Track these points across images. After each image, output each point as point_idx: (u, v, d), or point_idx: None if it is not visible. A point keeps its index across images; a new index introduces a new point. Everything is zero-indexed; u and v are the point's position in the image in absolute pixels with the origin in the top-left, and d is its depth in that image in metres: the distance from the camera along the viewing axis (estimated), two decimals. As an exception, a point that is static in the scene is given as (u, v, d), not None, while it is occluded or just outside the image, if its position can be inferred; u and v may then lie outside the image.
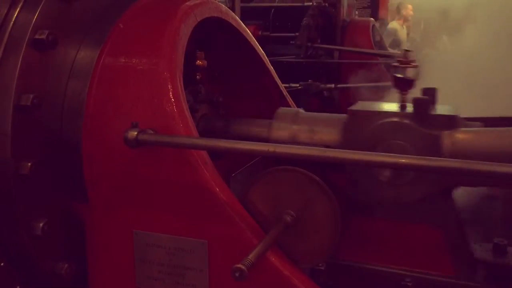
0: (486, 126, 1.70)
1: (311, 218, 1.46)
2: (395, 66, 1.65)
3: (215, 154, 1.62)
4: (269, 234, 1.42)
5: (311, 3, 5.74)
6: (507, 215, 1.83)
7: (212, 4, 1.84)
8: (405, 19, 10.24)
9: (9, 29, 1.50)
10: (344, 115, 1.72)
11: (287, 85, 5.44)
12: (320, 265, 1.71)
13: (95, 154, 1.58)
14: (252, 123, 1.96)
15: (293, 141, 1.77)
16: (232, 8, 4.56)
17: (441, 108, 1.64)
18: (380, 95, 3.17)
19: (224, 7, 1.93)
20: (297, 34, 5.52)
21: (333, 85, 5.16)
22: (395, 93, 1.70)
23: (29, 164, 1.47)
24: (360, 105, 1.75)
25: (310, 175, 1.46)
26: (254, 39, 2.12)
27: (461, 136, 1.56)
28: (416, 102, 1.60)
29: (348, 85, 5.25)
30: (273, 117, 1.87)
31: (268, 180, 1.50)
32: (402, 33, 9.93)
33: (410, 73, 1.63)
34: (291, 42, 5.55)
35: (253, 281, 1.39)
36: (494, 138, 1.59)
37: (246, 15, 5.78)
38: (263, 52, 2.16)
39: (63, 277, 1.59)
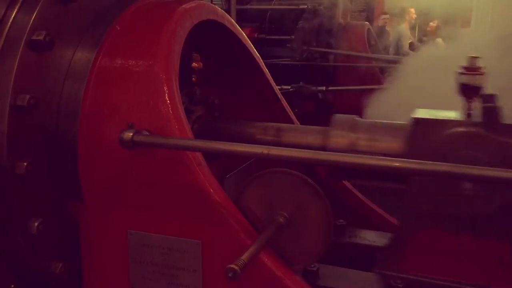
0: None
1: (304, 220, 1.48)
2: (461, 73, 1.57)
3: (210, 156, 1.63)
4: (262, 235, 1.43)
5: (306, 6, 5.75)
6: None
7: (208, 7, 1.85)
8: (409, 23, 10.25)
9: (6, 29, 1.51)
10: (404, 123, 1.64)
11: (278, 87, 5.44)
12: (312, 266, 1.72)
13: (91, 154, 1.59)
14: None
15: (352, 150, 1.71)
16: (228, 11, 4.57)
17: None
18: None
19: (220, 10, 1.94)
20: (292, 37, 5.54)
21: (324, 88, 5.18)
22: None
23: (25, 164, 1.47)
24: (421, 113, 1.62)
25: (303, 177, 1.47)
26: (250, 41, 2.13)
27: None
28: (486, 110, 1.50)
29: (339, 87, 5.28)
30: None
31: (262, 181, 1.51)
32: (408, 37, 9.92)
33: (476, 80, 1.55)
34: (287, 45, 5.56)
35: (246, 281, 1.41)
36: None
37: (242, 17, 5.80)
38: (258, 54, 2.18)
39: (57, 276, 1.60)
